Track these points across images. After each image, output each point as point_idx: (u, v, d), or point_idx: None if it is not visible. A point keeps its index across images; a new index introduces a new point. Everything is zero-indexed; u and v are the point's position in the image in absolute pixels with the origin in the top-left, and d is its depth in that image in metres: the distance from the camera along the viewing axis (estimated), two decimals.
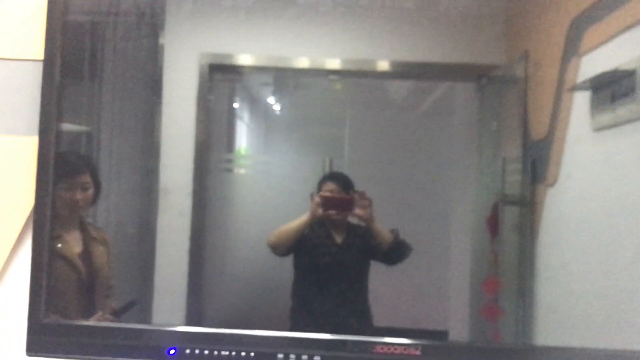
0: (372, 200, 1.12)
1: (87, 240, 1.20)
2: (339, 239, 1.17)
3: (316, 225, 1.15)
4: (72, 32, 1.12)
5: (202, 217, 1.16)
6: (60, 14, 1.11)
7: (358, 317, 1.14)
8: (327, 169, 1.15)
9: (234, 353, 1.07)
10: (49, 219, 1.09)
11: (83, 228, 1.22)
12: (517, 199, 1.15)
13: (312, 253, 1.16)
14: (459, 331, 1.13)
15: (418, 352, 1.06)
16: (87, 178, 1.19)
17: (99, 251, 1.22)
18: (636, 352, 1.04)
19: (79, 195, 1.19)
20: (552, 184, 1.14)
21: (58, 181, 1.13)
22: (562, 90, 1.14)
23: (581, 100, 1.14)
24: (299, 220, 1.14)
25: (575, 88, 1.14)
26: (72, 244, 1.19)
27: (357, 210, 1.12)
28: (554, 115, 1.15)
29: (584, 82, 1.14)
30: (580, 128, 1.14)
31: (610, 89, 1.12)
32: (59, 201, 1.15)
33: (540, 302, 1.12)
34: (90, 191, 1.19)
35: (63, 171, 1.15)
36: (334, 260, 1.17)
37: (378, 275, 1.14)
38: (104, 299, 1.20)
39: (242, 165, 1.19)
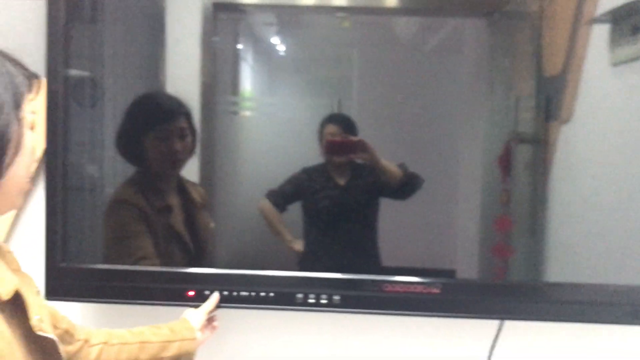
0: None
1: (187, 206, 1.10)
2: (341, 181, 1.15)
3: (315, 170, 1.14)
4: None
5: (210, 160, 1.15)
6: None
7: (366, 257, 1.14)
8: (335, 110, 1.13)
9: (253, 293, 1.08)
10: (61, 162, 1.09)
11: (181, 188, 1.10)
12: (530, 137, 1.12)
13: (315, 197, 1.15)
14: (467, 270, 1.13)
15: (437, 290, 1.06)
16: (184, 123, 1.08)
17: (202, 217, 1.11)
18: None
19: (178, 145, 1.07)
20: (566, 121, 1.10)
21: (149, 130, 1.07)
22: (579, 23, 1.09)
23: (599, 34, 1.09)
24: (286, 238, 1.14)
25: (593, 21, 1.09)
26: (176, 211, 1.09)
27: (361, 153, 1.11)
28: (570, 50, 1.10)
29: (604, 14, 1.08)
30: (598, 62, 1.09)
31: (631, 21, 1.07)
32: (154, 154, 1.07)
33: (552, 240, 1.11)
34: (189, 139, 1.09)
35: (155, 117, 1.08)
36: (337, 202, 1.16)
37: (386, 215, 1.13)
38: None
39: (247, 108, 1.17)
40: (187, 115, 1.09)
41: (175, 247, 1.11)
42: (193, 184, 1.14)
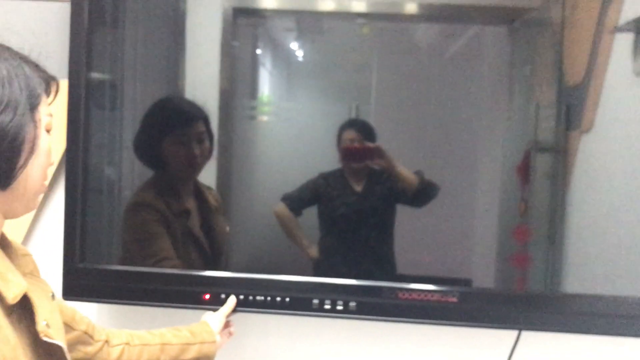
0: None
1: (204, 209, 1.11)
2: (358, 187, 1.15)
3: (332, 176, 1.14)
4: None
5: (228, 164, 1.16)
6: None
7: (382, 264, 1.13)
8: (353, 116, 1.13)
9: (268, 298, 1.08)
10: (80, 164, 1.10)
11: (198, 192, 1.11)
12: (550, 146, 1.11)
13: (331, 203, 1.15)
14: (484, 279, 1.12)
15: (455, 299, 1.05)
16: (202, 127, 1.09)
17: (218, 221, 1.12)
18: None
19: (197, 149, 1.08)
20: (587, 131, 1.09)
21: (168, 134, 1.09)
22: (601, 32, 1.08)
23: (622, 43, 1.08)
24: (302, 243, 1.14)
25: (617, 30, 1.08)
26: (194, 215, 1.09)
27: (377, 159, 1.11)
28: (592, 59, 1.09)
29: (628, 23, 1.07)
30: (620, 72, 1.08)
31: None
32: (172, 158, 1.09)
33: (571, 251, 1.09)
34: (207, 143, 1.09)
35: (174, 122, 1.09)
36: (354, 208, 1.16)
37: (403, 222, 1.13)
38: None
39: (265, 113, 1.17)
40: (206, 119, 1.10)
41: (193, 250, 1.11)
42: (208, 187, 1.15)
